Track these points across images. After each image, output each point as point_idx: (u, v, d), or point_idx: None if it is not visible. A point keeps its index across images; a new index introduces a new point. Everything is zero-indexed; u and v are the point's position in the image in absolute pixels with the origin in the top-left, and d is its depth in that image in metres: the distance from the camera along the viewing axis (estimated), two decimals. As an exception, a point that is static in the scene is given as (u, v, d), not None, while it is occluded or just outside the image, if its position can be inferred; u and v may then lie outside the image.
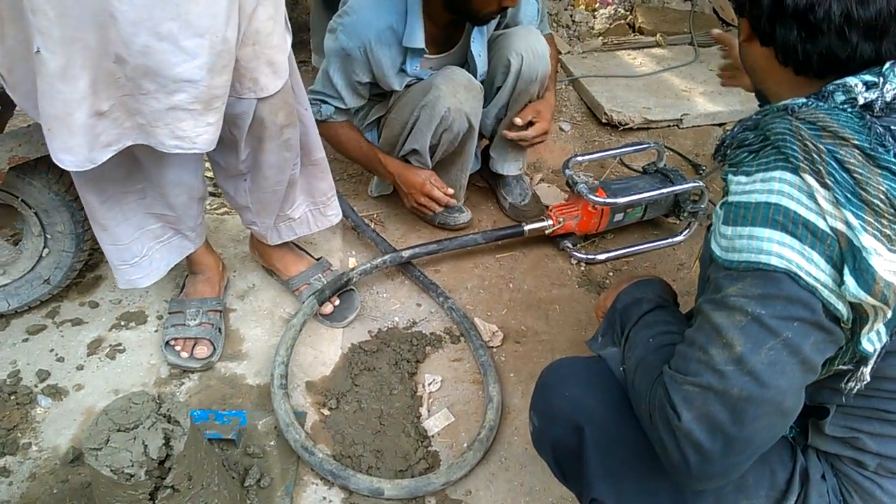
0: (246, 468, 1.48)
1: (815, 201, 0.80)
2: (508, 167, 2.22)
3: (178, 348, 1.67)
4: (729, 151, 0.98)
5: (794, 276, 0.80)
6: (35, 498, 1.40)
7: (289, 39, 1.43)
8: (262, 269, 1.95)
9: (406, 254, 1.93)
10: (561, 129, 2.68)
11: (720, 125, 2.73)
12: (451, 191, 2.04)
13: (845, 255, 0.79)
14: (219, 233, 2.06)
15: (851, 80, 0.86)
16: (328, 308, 1.81)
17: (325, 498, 1.46)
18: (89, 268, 1.90)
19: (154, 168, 1.43)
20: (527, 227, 2.06)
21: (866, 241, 0.78)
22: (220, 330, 1.73)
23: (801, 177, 0.82)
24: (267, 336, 1.78)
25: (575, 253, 2.10)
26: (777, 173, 0.84)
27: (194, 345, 1.67)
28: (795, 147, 0.84)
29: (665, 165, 2.21)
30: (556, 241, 2.14)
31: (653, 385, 0.93)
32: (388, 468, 1.51)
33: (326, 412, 1.61)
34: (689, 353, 0.87)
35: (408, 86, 1.93)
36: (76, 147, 1.21)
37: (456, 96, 1.84)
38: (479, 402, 1.68)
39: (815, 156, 0.82)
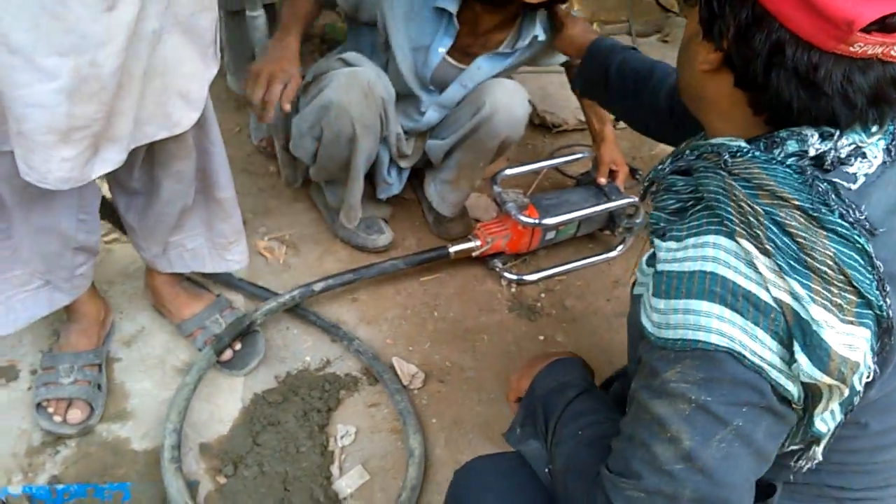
0: (127, 554, 1.30)
1: (756, 269, 0.70)
2: (445, 208, 2.02)
3: (50, 410, 1.45)
4: (657, 194, 0.86)
5: (737, 355, 0.70)
6: None
7: (213, 68, 1.25)
8: (153, 307, 1.74)
9: (318, 286, 1.74)
10: (492, 130, 2.51)
11: (658, 123, 2.61)
12: (289, 95, 1.55)
13: (793, 330, 0.68)
14: (105, 265, 1.83)
15: (808, 129, 0.74)
16: (227, 354, 1.61)
17: (218, 585, 1.29)
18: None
19: (18, 209, 1.22)
20: (452, 249, 1.89)
21: (816, 312, 0.68)
22: (99, 387, 1.52)
23: (737, 242, 0.71)
24: (157, 390, 1.58)
25: (506, 273, 1.95)
26: (711, 238, 0.73)
27: (68, 406, 1.47)
28: (730, 209, 0.72)
29: (600, 175, 2.07)
30: (485, 261, 1.99)
31: (590, 490, 0.80)
32: (292, 543, 1.35)
33: (223, 480, 1.43)
34: (630, 451, 0.75)
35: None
36: None
37: (347, 94, 1.63)
38: (398, 455, 1.53)
39: (751, 218, 0.71)
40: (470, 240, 1.91)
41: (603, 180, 2.00)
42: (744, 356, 0.70)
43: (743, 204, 0.71)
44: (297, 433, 1.52)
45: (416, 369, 1.68)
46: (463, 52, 1.75)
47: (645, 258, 0.86)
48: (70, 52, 0.97)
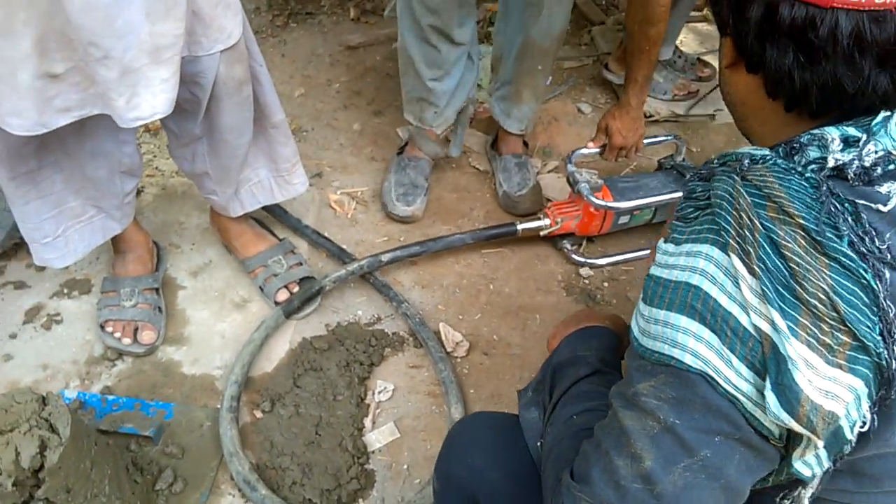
0: (161, 469, 1.37)
1: (740, 290, 0.63)
2: (512, 124, 1.99)
3: (110, 330, 1.54)
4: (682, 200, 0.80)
5: (710, 380, 0.64)
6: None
7: None
8: (222, 243, 1.81)
9: (386, 257, 1.73)
10: (580, 110, 2.44)
11: (759, 122, 2.45)
12: None
13: (768, 364, 0.61)
14: (185, 199, 1.92)
15: (830, 133, 0.67)
16: (283, 295, 1.66)
17: (240, 511, 1.34)
18: (42, 226, 1.78)
19: (73, 136, 1.29)
20: (520, 227, 1.85)
21: (795, 349, 0.60)
22: (159, 309, 1.61)
23: (729, 256, 0.65)
24: (213, 320, 1.65)
25: (574, 255, 1.89)
26: (705, 248, 0.67)
27: (136, 329, 1.55)
28: (730, 217, 0.66)
29: (683, 160, 1.97)
30: (553, 240, 1.94)
31: (556, 486, 0.76)
32: (315, 486, 1.38)
33: (259, 414, 1.48)
34: (594, 456, 0.71)
35: None
36: (25, 110, 1.10)
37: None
38: (431, 418, 1.53)
39: (747, 232, 0.64)
40: (539, 218, 1.87)
41: (591, 145, 1.93)
42: (717, 382, 0.64)
43: (743, 214, 0.65)
44: (337, 381, 1.55)
45: (462, 338, 1.67)
46: None
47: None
48: None
